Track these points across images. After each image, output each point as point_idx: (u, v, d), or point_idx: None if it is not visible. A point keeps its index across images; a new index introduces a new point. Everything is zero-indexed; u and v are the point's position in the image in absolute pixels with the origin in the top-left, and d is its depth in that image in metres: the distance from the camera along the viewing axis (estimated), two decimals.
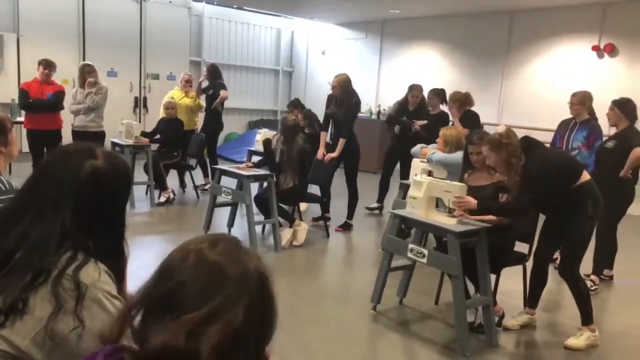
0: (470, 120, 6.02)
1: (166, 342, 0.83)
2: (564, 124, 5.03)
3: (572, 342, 3.44)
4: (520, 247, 3.78)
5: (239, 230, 5.67)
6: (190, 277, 0.89)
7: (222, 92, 7.34)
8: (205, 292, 0.87)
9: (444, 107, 6.47)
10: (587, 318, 3.47)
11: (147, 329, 0.88)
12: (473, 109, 6.13)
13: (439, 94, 6.46)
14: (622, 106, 4.49)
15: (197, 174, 7.23)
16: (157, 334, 0.84)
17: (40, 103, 6.13)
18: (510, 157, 3.35)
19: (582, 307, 3.47)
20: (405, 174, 6.57)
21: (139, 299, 0.92)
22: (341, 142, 5.82)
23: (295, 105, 7.31)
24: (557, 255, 4.67)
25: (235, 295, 0.88)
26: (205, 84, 7.50)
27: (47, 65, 6.17)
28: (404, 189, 5.00)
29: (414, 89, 6.59)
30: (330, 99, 6.33)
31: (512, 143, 3.35)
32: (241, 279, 0.90)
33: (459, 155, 4.57)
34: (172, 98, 7.03)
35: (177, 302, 0.87)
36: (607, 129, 5.03)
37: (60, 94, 6.25)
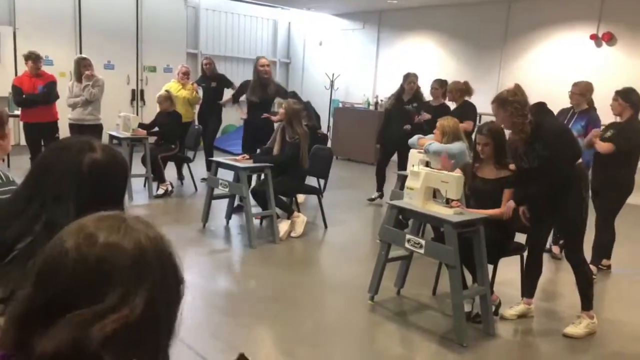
0: (468, 111, 6.02)
1: (58, 346, 0.74)
2: (562, 113, 5.05)
3: (571, 330, 3.47)
4: (518, 237, 3.80)
5: (237, 222, 5.69)
6: (74, 278, 0.79)
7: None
8: (95, 291, 0.78)
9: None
10: (588, 303, 3.49)
11: (33, 340, 0.77)
12: (472, 98, 6.13)
13: (443, 85, 6.44)
14: (626, 96, 4.51)
15: (196, 166, 7.22)
16: (46, 341, 0.75)
17: (33, 98, 6.12)
18: (513, 116, 3.32)
19: (584, 292, 3.49)
20: (402, 164, 6.59)
21: (19, 315, 0.81)
22: None
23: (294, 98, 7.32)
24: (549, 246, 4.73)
25: (132, 283, 0.79)
26: (229, 104, 7.33)
27: (36, 60, 6.13)
28: (402, 179, 5.01)
29: (409, 76, 6.59)
30: (246, 84, 6.55)
31: (517, 101, 3.31)
32: (135, 266, 0.81)
33: (456, 145, 4.59)
34: (166, 91, 7.00)
35: (65, 306, 0.77)
36: (604, 119, 5.03)
37: (51, 85, 6.22)
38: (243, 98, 6.71)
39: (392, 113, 6.67)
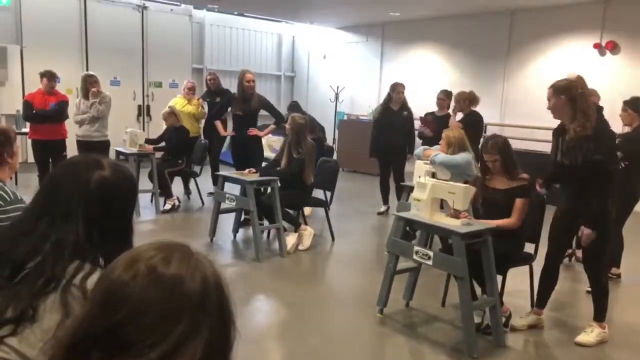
0: (474, 122, 6.02)
1: None
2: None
3: (583, 338, 3.45)
4: (526, 246, 3.78)
5: (244, 236, 5.69)
6: (143, 305, 0.76)
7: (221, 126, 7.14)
8: (163, 322, 0.76)
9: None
10: (600, 314, 3.48)
11: None
12: (477, 109, 6.15)
13: (449, 95, 6.46)
14: (635, 105, 4.54)
15: (202, 180, 7.24)
16: None
17: (43, 114, 6.17)
18: (568, 105, 3.24)
19: (598, 303, 3.48)
20: (399, 175, 6.61)
21: (77, 336, 0.78)
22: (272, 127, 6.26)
23: (294, 109, 7.36)
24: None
25: (196, 321, 0.77)
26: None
27: (51, 78, 6.20)
28: (408, 191, 5.00)
29: (397, 86, 6.66)
30: (230, 98, 6.47)
31: (581, 93, 3.23)
32: (201, 300, 0.79)
33: (462, 156, 4.59)
34: (170, 107, 7.05)
35: (128, 336, 0.74)
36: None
37: (63, 104, 6.27)
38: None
39: (381, 123, 6.69)
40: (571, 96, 3.24)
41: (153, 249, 0.82)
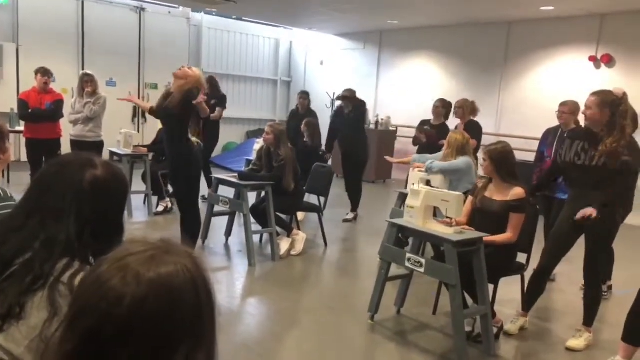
0: (473, 130, 6.03)
1: None
2: (550, 133, 5.03)
3: (573, 343, 3.54)
4: (518, 256, 3.79)
5: (237, 240, 5.67)
6: (130, 333, 0.72)
7: (218, 111, 7.15)
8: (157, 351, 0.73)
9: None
10: (590, 320, 3.59)
11: None
12: (476, 118, 6.16)
13: (446, 105, 6.46)
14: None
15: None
16: None
17: (39, 113, 6.13)
18: (619, 120, 3.31)
19: (590, 309, 3.58)
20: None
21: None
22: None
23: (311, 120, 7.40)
24: None
25: (194, 342, 0.76)
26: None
27: (45, 73, 6.17)
28: (402, 198, 5.00)
29: (346, 91, 6.93)
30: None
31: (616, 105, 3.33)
32: (196, 316, 0.77)
33: (463, 160, 4.59)
34: None
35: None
36: None
37: (59, 103, 6.25)
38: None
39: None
40: (614, 112, 3.34)
41: (133, 258, 0.80)
